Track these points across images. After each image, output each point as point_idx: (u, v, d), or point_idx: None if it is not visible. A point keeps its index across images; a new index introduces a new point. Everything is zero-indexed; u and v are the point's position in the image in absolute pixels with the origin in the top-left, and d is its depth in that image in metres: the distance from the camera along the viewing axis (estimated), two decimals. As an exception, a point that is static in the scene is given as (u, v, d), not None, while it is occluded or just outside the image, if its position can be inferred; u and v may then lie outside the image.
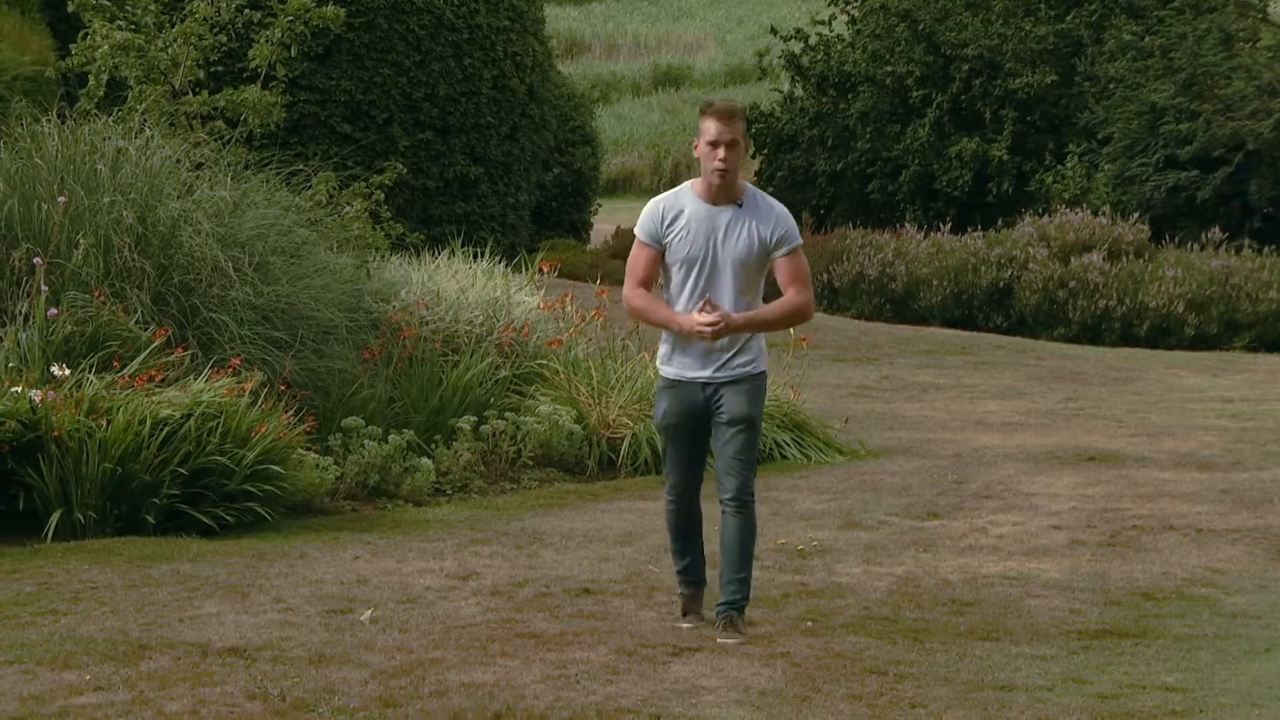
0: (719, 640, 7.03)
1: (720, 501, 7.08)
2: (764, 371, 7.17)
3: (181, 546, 8.87)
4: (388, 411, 11.21)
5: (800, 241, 7.15)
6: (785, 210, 7.17)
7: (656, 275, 7.10)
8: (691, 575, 7.39)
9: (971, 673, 6.86)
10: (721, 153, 6.94)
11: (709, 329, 6.87)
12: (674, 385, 7.11)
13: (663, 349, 7.17)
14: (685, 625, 7.28)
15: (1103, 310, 22.24)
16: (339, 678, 6.48)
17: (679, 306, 7.02)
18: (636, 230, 7.10)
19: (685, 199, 7.07)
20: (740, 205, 7.04)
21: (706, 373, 7.04)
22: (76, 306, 9.95)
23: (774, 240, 7.04)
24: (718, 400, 7.04)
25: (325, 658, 6.76)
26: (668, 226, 7.03)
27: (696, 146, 7.07)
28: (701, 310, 6.90)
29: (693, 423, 7.11)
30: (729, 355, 7.04)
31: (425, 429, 11.25)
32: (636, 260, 7.10)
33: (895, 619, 7.74)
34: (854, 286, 23.86)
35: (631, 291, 7.08)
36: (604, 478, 11.51)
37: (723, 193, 7.02)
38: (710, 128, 6.98)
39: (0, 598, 7.68)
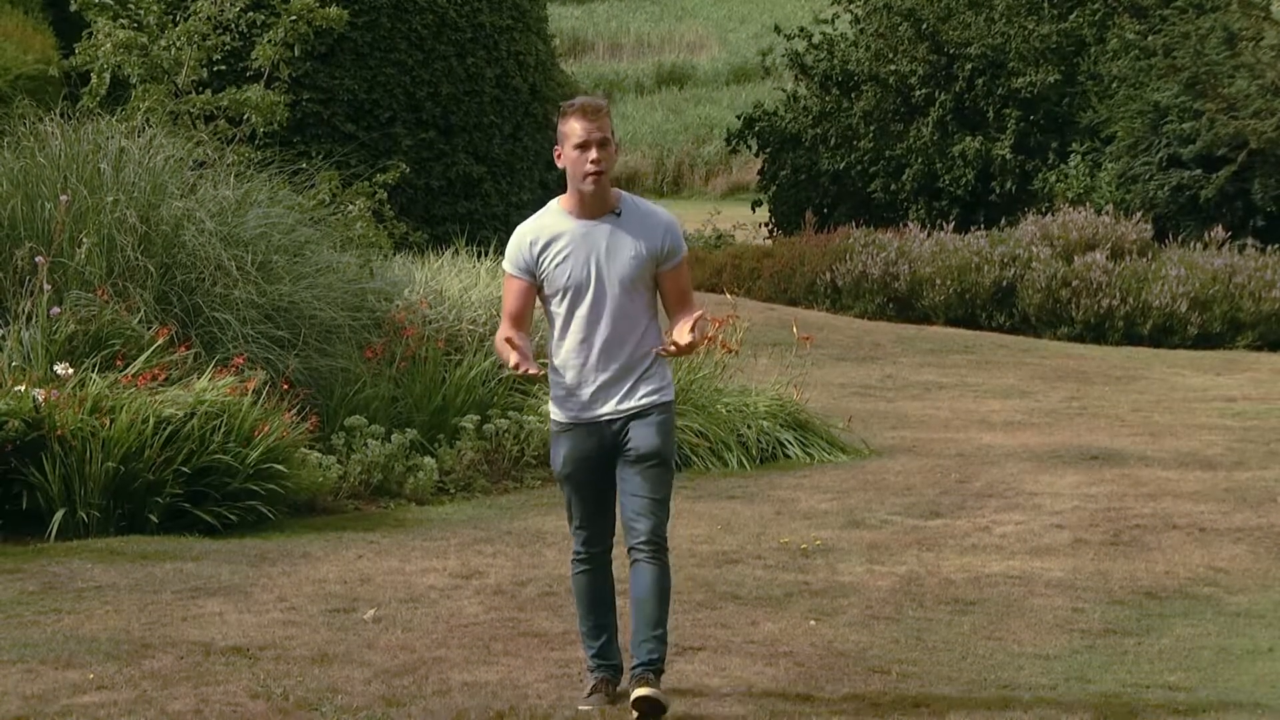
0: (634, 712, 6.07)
1: (630, 549, 6.11)
2: (672, 401, 6.20)
3: (184, 546, 8.87)
4: (391, 410, 11.21)
5: (686, 251, 6.24)
6: (670, 216, 6.22)
7: (531, 310, 6.17)
8: (609, 659, 6.33)
9: (975, 672, 6.87)
10: (594, 153, 5.97)
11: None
12: (571, 428, 6.14)
13: (553, 390, 6.21)
14: (585, 707, 6.19)
15: (1106, 309, 22.22)
16: (342, 677, 6.48)
17: (568, 342, 6.09)
18: (505, 264, 6.17)
19: (556, 219, 6.10)
20: (619, 215, 6.08)
21: (608, 408, 6.08)
22: (79, 305, 9.95)
23: (663, 251, 6.09)
24: (624, 434, 6.08)
25: (328, 657, 6.77)
26: (540, 254, 6.06)
27: (559, 155, 6.08)
28: (693, 329, 5.99)
29: (599, 468, 6.13)
30: (629, 385, 6.10)
31: (428, 428, 11.25)
32: (507, 296, 6.16)
33: (898, 618, 7.74)
34: (857, 285, 23.84)
35: (500, 330, 6.15)
36: (607, 477, 11.50)
37: (597, 203, 6.05)
38: (576, 128, 5.99)
39: (4, 596, 7.69)
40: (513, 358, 5.98)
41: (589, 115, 6.00)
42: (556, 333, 6.13)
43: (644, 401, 6.10)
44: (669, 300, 6.18)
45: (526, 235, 6.12)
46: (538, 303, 6.23)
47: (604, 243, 6.05)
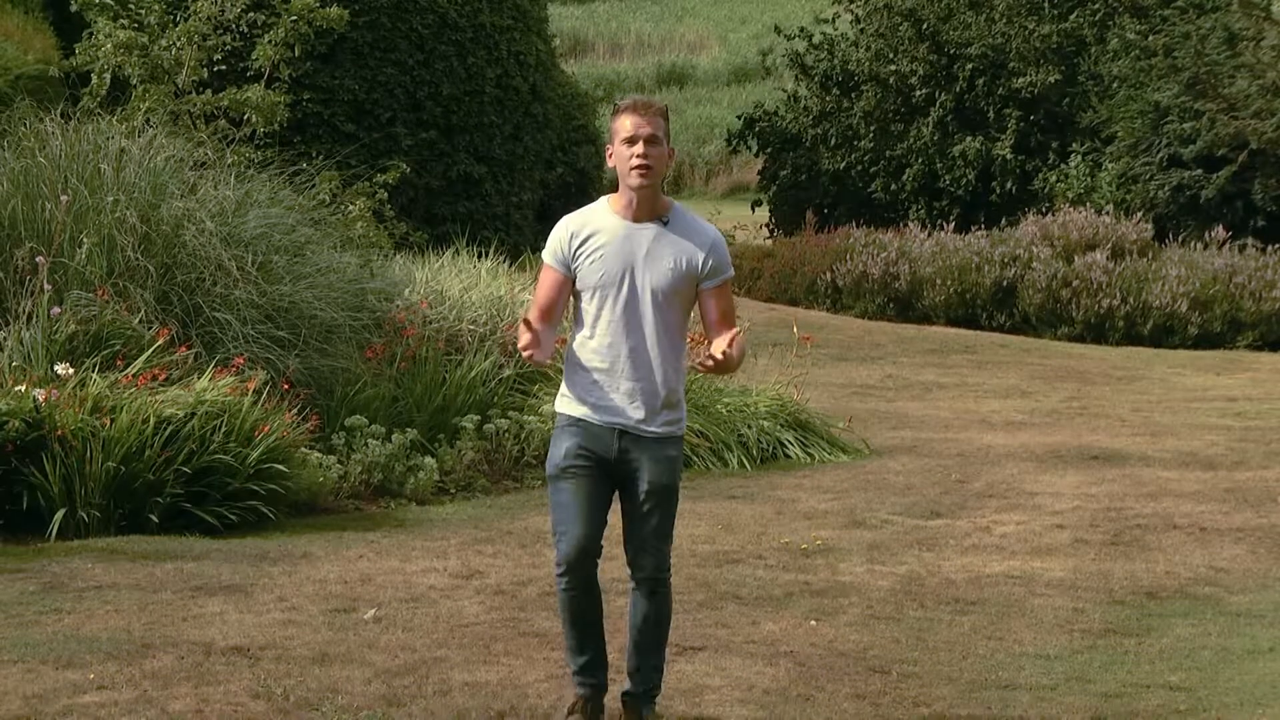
0: None
1: (633, 580, 6.02)
2: (684, 433, 6.06)
3: (185, 545, 8.87)
4: (391, 410, 11.21)
5: (732, 273, 6.01)
6: (718, 234, 6.02)
7: (563, 304, 5.98)
8: (593, 675, 6.06)
9: (975, 672, 6.87)
10: (640, 147, 5.79)
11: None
12: (579, 423, 5.92)
13: (566, 385, 5.99)
14: None
15: (1106, 309, 22.22)
16: (342, 677, 6.48)
17: (594, 343, 5.89)
18: (544, 252, 6.02)
19: (601, 216, 5.93)
20: (666, 223, 5.90)
21: (629, 420, 5.87)
22: (80, 305, 9.96)
23: (705, 268, 5.89)
24: (634, 461, 5.89)
25: (329, 657, 6.77)
26: (578, 247, 5.89)
27: (610, 154, 5.91)
28: (730, 345, 5.76)
29: (599, 471, 5.91)
30: (653, 406, 5.89)
31: (429, 428, 11.25)
32: (540, 285, 5.98)
33: (899, 618, 7.75)
34: (857, 285, 23.84)
35: (524, 313, 5.95)
36: (607, 477, 11.50)
37: (645, 206, 5.87)
38: (626, 123, 5.82)
39: (4, 596, 7.69)
40: (524, 338, 5.74)
41: (640, 111, 5.83)
42: (585, 330, 5.91)
43: (662, 429, 5.90)
44: (709, 320, 5.97)
45: (568, 226, 5.96)
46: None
47: (645, 249, 5.86)
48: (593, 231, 5.90)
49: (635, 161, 5.80)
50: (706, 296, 5.94)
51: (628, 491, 5.94)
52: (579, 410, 5.92)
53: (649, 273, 5.85)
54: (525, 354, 5.76)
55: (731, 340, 5.79)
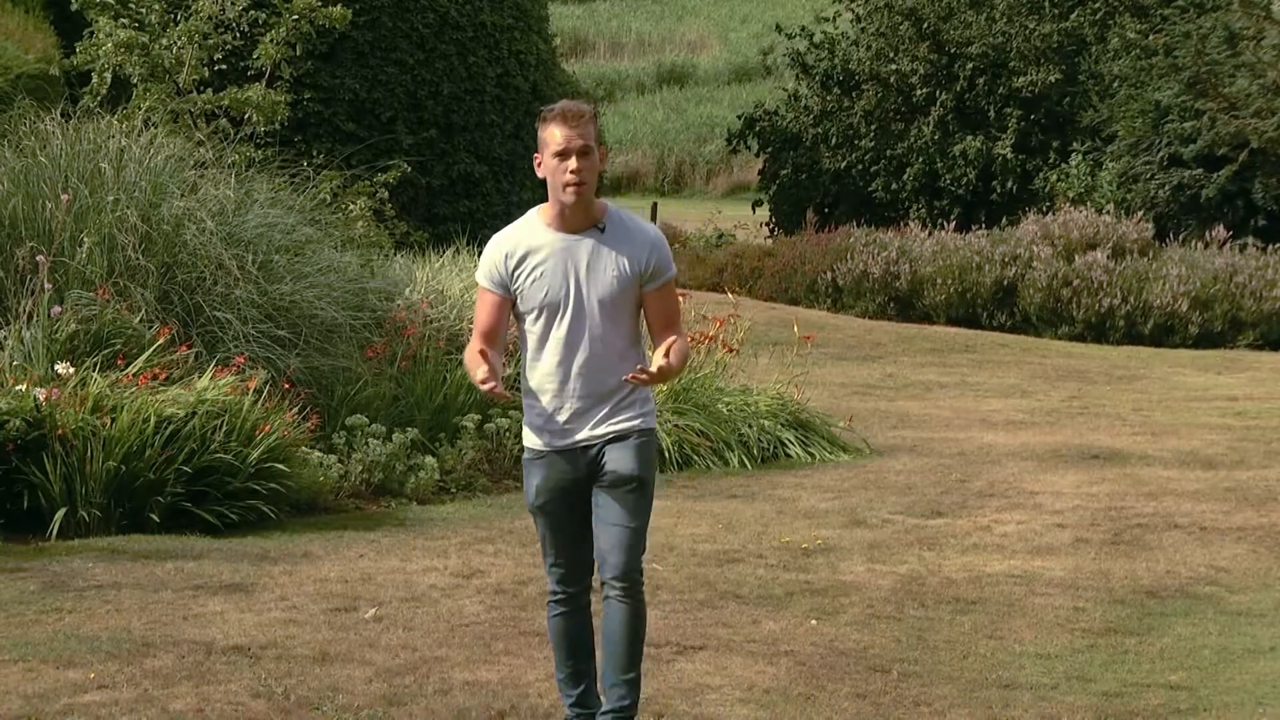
0: None
1: (603, 583, 5.65)
2: (654, 429, 5.70)
3: (186, 545, 8.88)
4: (392, 410, 11.21)
5: (674, 272, 5.70)
6: (658, 233, 5.70)
7: (505, 327, 5.67)
8: (589, 708, 5.81)
9: (976, 671, 6.87)
10: (573, 162, 5.46)
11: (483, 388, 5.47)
12: (545, 455, 5.66)
13: (527, 416, 5.72)
14: None
15: (1107, 309, 22.23)
16: (343, 676, 6.48)
17: (544, 365, 5.61)
18: (478, 275, 5.71)
19: (534, 231, 5.60)
20: (603, 230, 5.58)
21: (585, 434, 5.60)
22: (81, 305, 9.96)
23: (648, 269, 5.58)
24: (602, 459, 5.61)
25: (329, 656, 6.77)
26: (515, 268, 5.58)
27: (539, 164, 5.56)
28: (667, 354, 5.51)
29: (575, 498, 5.66)
30: (608, 409, 5.60)
31: (429, 427, 11.25)
32: (479, 310, 5.68)
33: (899, 617, 7.75)
34: (858, 285, 23.86)
35: (470, 345, 5.68)
36: (608, 476, 11.49)
37: (579, 216, 5.54)
38: (556, 134, 5.48)
39: (5, 596, 7.69)
40: (480, 371, 5.49)
41: (569, 121, 5.48)
42: (531, 354, 5.64)
43: (623, 426, 5.60)
44: (653, 323, 5.68)
45: (501, 247, 5.62)
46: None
47: (585, 259, 5.55)
48: (529, 249, 5.59)
49: (569, 177, 5.48)
50: (649, 299, 5.64)
51: (597, 486, 5.64)
52: (540, 441, 5.68)
53: (593, 285, 5.56)
54: (486, 387, 5.49)
55: (669, 349, 5.55)
